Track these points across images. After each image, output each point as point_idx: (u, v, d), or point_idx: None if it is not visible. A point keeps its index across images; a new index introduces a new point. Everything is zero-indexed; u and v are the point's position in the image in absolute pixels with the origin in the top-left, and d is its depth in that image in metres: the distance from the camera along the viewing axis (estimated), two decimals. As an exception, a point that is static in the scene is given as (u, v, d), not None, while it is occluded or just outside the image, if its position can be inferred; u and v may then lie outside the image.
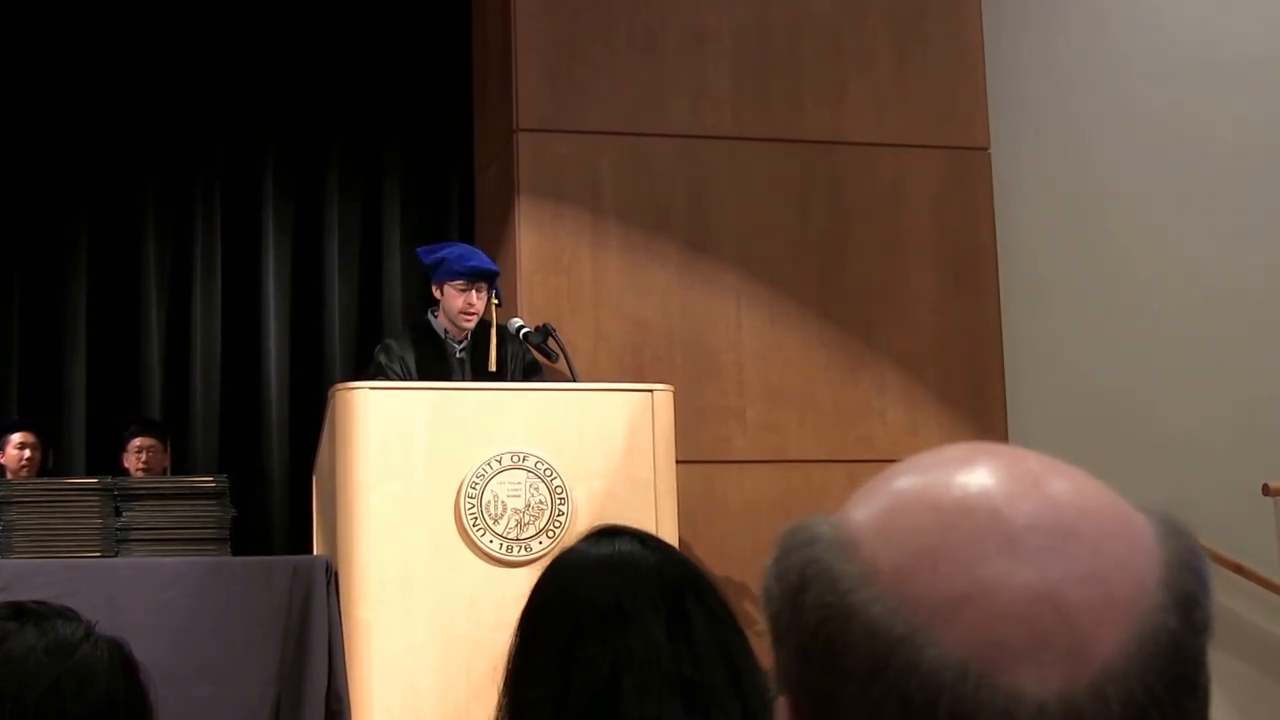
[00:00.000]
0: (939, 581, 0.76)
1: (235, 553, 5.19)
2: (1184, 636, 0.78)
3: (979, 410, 7.12)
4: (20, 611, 1.83)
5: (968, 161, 7.32)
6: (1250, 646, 5.68)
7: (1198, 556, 0.81)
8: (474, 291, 5.59)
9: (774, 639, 0.83)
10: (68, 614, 1.85)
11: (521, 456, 4.97)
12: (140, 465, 6.96)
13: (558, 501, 4.97)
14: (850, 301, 7.07)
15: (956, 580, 0.76)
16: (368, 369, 5.68)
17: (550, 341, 5.58)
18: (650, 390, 5.20)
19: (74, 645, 1.79)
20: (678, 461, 5.19)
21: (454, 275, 5.60)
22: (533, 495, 4.96)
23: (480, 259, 5.73)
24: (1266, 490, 5.65)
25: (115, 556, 4.96)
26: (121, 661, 1.82)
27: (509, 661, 1.82)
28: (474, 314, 5.60)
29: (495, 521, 4.91)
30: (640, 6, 7.07)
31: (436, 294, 5.67)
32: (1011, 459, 0.82)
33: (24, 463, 6.96)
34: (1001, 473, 0.80)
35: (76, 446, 7.51)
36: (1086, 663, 0.75)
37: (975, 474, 0.80)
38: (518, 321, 5.76)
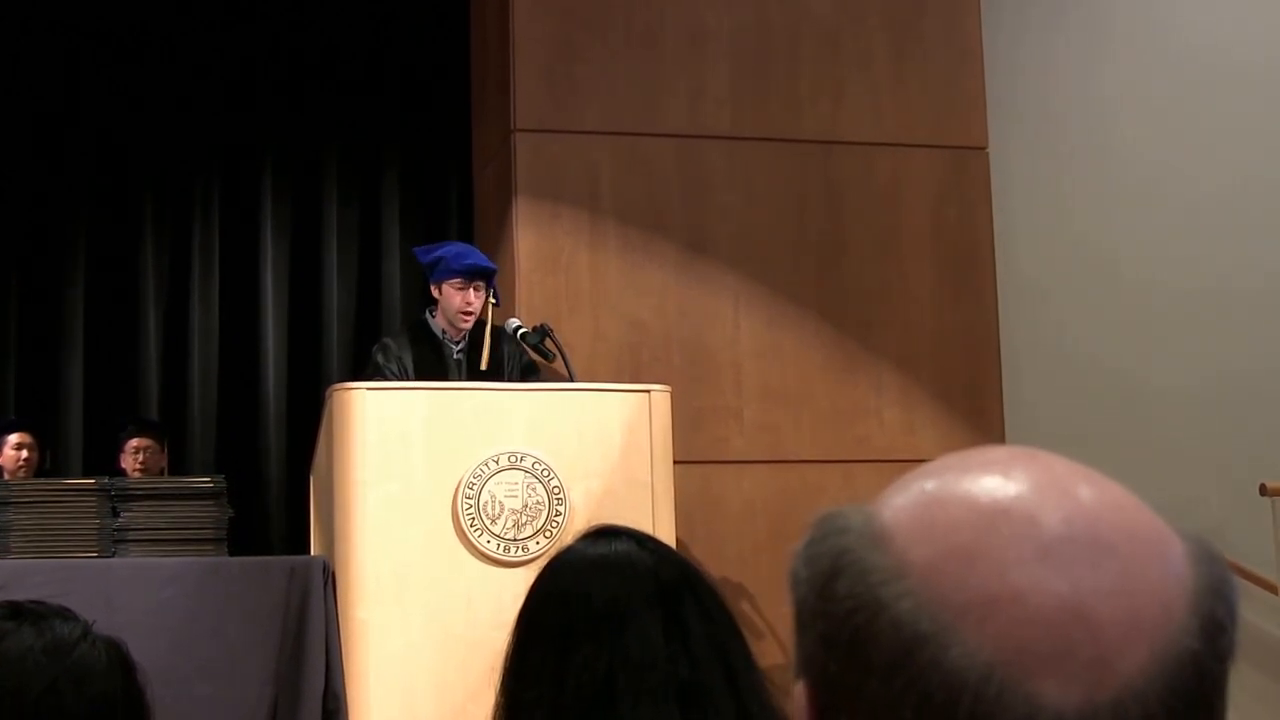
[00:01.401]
0: (970, 582, 0.76)
1: (233, 553, 5.18)
2: (1208, 661, 0.78)
3: (976, 410, 7.12)
4: (17, 611, 1.83)
5: (966, 161, 7.32)
6: (1248, 647, 5.67)
7: (1228, 583, 0.82)
8: (471, 290, 5.59)
9: (798, 625, 0.83)
10: (65, 614, 1.84)
11: (519, 457, 4.96)
12: (137, 465, 6.95)
13: (555, 502, 4.97)
14: (848, 301, 7.07)
15: (988, 583, 0.76)
16: (365, 369, 5.68)
17: (548, 342, 5.57)
18: (648, 391, 5.20)
19: (71, 645, 1.79)
20: (675, 462, 5.19)
21: (451, 274, 5.60)
22: (530, 495, 4.95)
23: (477, 257, 5.74)
24: (1264, 490, 5.64)
25: (112, 557, 4.95)
26: (119, 661, 1.82)
27: (506, 662, 1.82)
28: (472, 312, 5.60)
29: (493, 522, 4.91)
30: (638, 6, 7.07)
31: (435, 294, 5.67)
32: (1051, 466, 0.82)
33: (21, 463, 6.95)
34: (1040, 479, 0.80)
35: (74, 447, 7.51)
36: (1109, 678, 0.75)
37: (1014, 478, 0.80)
38: (515, 322, 5.76)
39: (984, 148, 7.33)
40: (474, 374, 5.59)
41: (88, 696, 1.76)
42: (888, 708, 0.76)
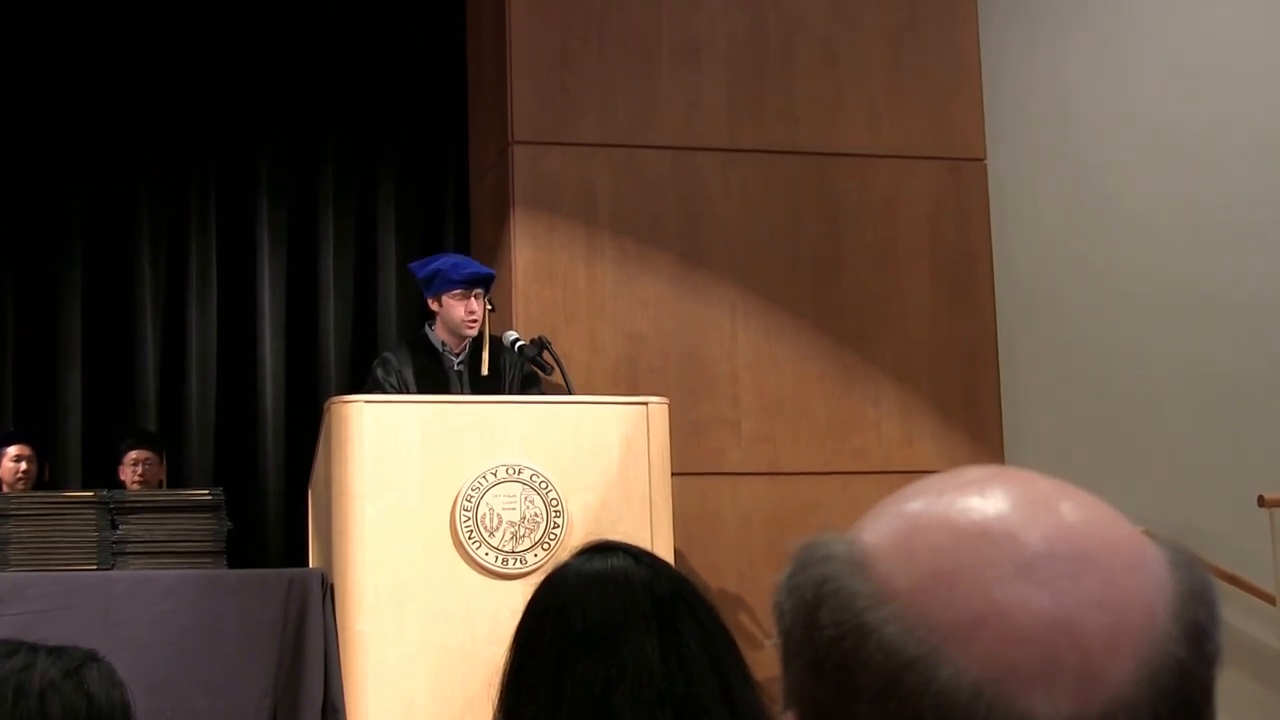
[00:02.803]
0: (955, 603, 0.77)
1: (231, 565, 5.19)
2: (1194, 667, 0.78)
3: (974, 422, 7.11)
4: (21, 643, 1.87)
5: (963, 173, 7.32)
6: (1246, 658, 5.68)
7: (1209, 588, 0.82)
8: (473, 298, 5.61)
9: (785, 654, 0.84)
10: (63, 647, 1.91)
11: (517, 469, 4.97)
12: (136, 478, 6.94)
13: (553, 514, 4.97)
14: (845, 313, 7.07)
15: (973, 603, 0.77)
16: (365, 383, 5.68)
17: (545, 354, 5.58)
18: (645, 403, 5.20)
19: (91, 660, 1.85)
20: (673, 474, 5.19)
21: (450, 285, 5.61)
22: (528, 508, 4.95)
23: (475, 265, 5.78)
24: (1262, 502, 5.65)
25: (111, 569, 4.96)
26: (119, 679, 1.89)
27: (503, 677, 1.82)
28: (476, 320, 5.62)
29: (491, 534, 4.91)
30: (634, 18, 7.08)
31: (434, 307, 5.68)
32: (1028, 483, 0.82)
33: (19, 475, 6.94)
34: (1018, 497, 0.81)
35: (72, 459, 7.50)
36: (1098, 690, 0.75)
37: (991, 497, 0.81)
38: (513, 334, 5.76)
39: (982, 159, 7.34)
40: (475, 385, 5.60)
41: (116, 700, 1.81)
42: None
